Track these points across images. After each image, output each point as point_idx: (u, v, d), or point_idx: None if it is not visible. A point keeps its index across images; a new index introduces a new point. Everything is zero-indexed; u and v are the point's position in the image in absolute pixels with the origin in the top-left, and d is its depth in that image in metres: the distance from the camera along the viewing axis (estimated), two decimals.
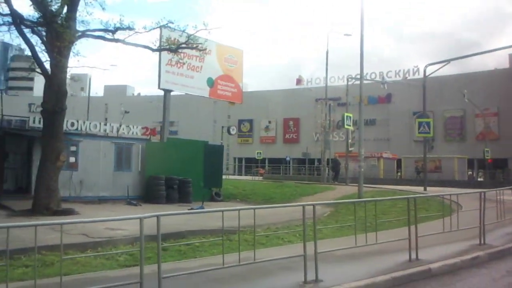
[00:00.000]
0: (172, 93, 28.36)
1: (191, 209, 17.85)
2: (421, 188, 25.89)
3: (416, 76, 55.56)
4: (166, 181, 22.17)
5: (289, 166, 59.20)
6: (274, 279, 7.51)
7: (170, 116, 71.58)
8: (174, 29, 20.68)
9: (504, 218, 11.92)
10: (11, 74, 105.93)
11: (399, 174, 48.21)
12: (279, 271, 7.75)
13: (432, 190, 23.89)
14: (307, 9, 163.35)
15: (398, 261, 8.54)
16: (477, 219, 10.53)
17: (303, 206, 7.48)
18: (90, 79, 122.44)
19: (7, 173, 20.68)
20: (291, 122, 71.55)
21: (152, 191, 21.99)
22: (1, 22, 16.29)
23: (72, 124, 21.64)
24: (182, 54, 27.62)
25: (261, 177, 45.44)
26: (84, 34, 17.40)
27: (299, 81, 71.66)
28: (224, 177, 39.49)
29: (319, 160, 42.14)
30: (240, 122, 75.13)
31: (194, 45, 19.44)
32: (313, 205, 7.62)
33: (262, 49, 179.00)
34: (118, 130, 22.85)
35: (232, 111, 72.27)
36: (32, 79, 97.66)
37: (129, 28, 17.47)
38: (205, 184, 24.25)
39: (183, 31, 19.41)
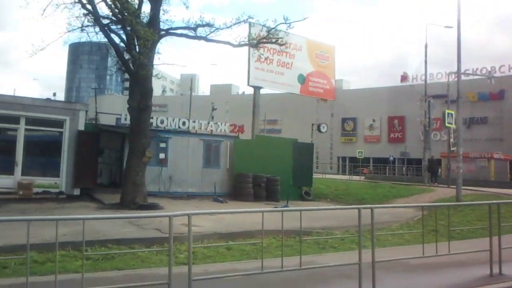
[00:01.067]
0: (274, 92, 28.46)
1: (275, 207, 17.59)
2: None
3: None
4: (254, 178, 21.99)
5: (394, 166, 57.11)
6: (328, 286, 6.96)
7: (273, 115, 73.51)
8: (254, 24, 20.50)
9: None
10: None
11: (510, 176, 44.66)
12: (335, 279, 7.23)
13: None
14: (412, 1, 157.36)
15: (478, 276, 7.60)
16: None
17: (359, 209, 6.89)
18: (198, 79, 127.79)
19: (101, 168, 21.57)
20: (396, 121, 69.10)
21: (239, 188, 21.91)
22: (89, 23, 16.94)
23: (162, 121, 22.19)
24: (271, 51, 27.77)
25: (363, 177, 44.15)
26: (167, 33, 17.72)
27: (404, 77, 68.90)
28: (321, 176, 39.23)
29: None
30: (344, 120, 74.00)
31: (274, 40, 18.97)
32: (371, 208, 6.97)
33: (366, 46, 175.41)
34: (206, 127, 23.02)
35: (335, 109, 71.69)
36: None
37: (208, 25, 17.50)
38: (294, 183, 23.80)
39: (263, 25, 19.09)
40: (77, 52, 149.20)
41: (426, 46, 35.87)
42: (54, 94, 32.14)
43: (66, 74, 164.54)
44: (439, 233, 9.57)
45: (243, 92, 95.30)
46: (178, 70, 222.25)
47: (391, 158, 53.14)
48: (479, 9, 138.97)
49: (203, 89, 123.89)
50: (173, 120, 22.79)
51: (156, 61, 17.49)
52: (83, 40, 18.52)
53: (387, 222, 15.43)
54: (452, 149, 29.01)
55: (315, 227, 13.48)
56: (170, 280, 5.52)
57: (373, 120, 71.60)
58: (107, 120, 25.59)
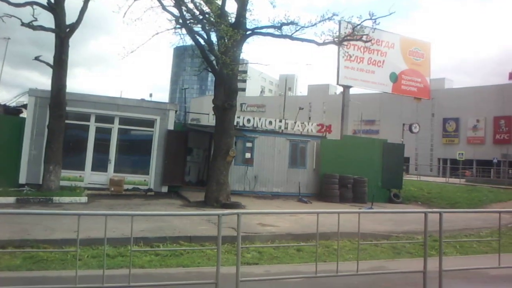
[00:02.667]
0: (369, 92, 27.78)
1: (360, 208, 17.30)
2: None
3: None
4: (340, 179, 21.58)
5: (499, 169, 53.84)
6: None
7: (370, 115, 72.10)
8: (340, 22, 20.11)
9: None
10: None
11: None
12: (400, 287, 6.85)
13: None
14: None
15: None
16: None
17: (425, 213, 6.47)
18: (296, 80, 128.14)
19: (190, 167, 22.19)
20: (502, 121, 64.98)
21: (324, 189, 21.61)
22: (177, 26, 17.48)
23: (248, 121, 22.36)
24: (362, 49, 27.15)
25: (464, 180, 42.08)
26: (253, 32, 17.83)
27: None
28: (415, 178, 37.80)
29: None
30: (445, 121, 70.92)
31: (358, 37, 18.46)
32: (440, 213, 6.52)
33: (473, 44, 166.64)
34: (293, 127, 22.91)
35: (436, 109, 68.91)
36: (244, 80, 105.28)
37: (293, 23, 17.38)
38: (382, 185, 23.09)
39: (349, 22, 18.70)
40: (181, 55, 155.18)
41: None
42: (151, 95, 33.23)
43: (171, 76, 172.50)
44: None
45: (341, 93, 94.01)
46: (278, 71, 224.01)
47: (495, 161, 50.22)
48: None
49: (301, 89, 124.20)
50: (260, 119, 22.89)
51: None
52: (177, 43, 19.18)
53: (478, 228, 14.53)
54: None
55: (396, 231, 13.00)
56: (217, 279, 5.48)
57: (477, 121, 67.85)
58: (206, 120, 26.17)
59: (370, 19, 17.66)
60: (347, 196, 21.41)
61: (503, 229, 14.03)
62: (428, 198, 24.26)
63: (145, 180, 19.54)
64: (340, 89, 40.97)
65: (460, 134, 69.86)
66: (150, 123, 19.98)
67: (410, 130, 34.25)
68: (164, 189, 19.69)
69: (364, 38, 18.67)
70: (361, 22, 17.88)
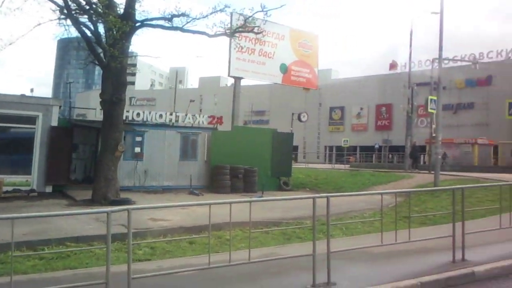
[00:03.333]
0: (259, 83, 28.14)
1: (251, 198, 17.50)
2: None
3: None
4: (231, 170, 21.78)
5: (380, 154, 57.18)
6: (281, 280, 6.81)
7: (261, 106, 73.30)
8: (231, 14, 20.20)
9: None
10: None
11: (494, 160, 44.80)
12: (291, 271, 7.07)
13: None
14: None
15: (439, 263, 7.46)
16: None
17: (314, 198, 6.67)
18: (187, 72, 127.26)
19: (76, 164, 21.32)
20: (383, 109, 69.02)
21: (216, 180, 21.70)
22: (61, 16, 16.60)
23: (138, 115, 21.91)
24: (253, 41, 27.49)
25: (348, 165, 44.10)
26: (142, 24, 17.40)
27: (392, 66, 68.70)
28: (304, 165, 39.07)
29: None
30: (331, 109, 73.95)
31: (250, 29, 18.70)
32: (327, 197, 6.72)
33: (361, 36, 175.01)
34: (184, 120, 22.75)
35: (323, 99, 71.59)
36: (134, 74, 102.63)
37: (184, 15, 17.18)
38: (272, 173, 23.64)
39: (240, 14, 18.91)
40: (65, 47, 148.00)
41: (411, 33, 35.90)
42: (32, 90, 31.56)
43: (54, 70, 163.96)
44: (412, 220, 9.46)
45: (232, 84, 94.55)
46: (169, 64, 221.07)
47: (377, 146, 53.26)
48: None
49: (192, 82, 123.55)
50: (150, 113, 22.50)
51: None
52: (61, 34, 18.25)
53: (361, 210, 15.36)
54: (434, 135, 28.91)
55: (286, 217, 13.37)
56: (108, 279, 5.28)
57: (361, 109, 71.53)
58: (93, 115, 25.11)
59: (262, 11, 17.92)
60: (238, 186, 21.65)
61: (384, 210, 14.88)
62: (316, 184, 25.20)
63: (27, 181, 18.41)
64: (231, 81, 41.30)
65: (345, 122, 73.25)
66: (32, 120, 18.80)
67: (299, 119, 35.27)
68: (49, 189, 18.67)
69: (255, 30, 18.94)
70: (253, 14, 18.11)
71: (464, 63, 49.90)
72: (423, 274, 6.84)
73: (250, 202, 6.56)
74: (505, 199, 9.17)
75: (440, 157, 21.58)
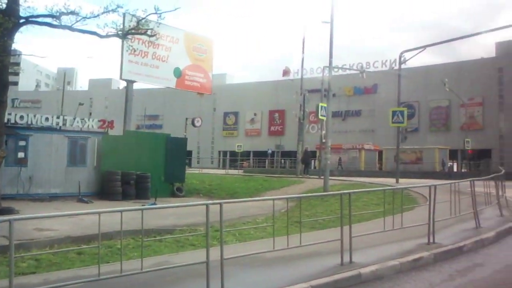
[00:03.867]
0: (153, 87, 27.57)
1: (144, 205, 17.13)
2: (403, 181, 25.06)
3: (403, 66, 54.89)
4: (122, 176, 21.13)
5: (273, 159, 58.34)
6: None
7: (154, 110, 72.06)
8: (124, 14, 19.68)
9: (465, 212, 11.06)
10: None
11: (379, 165, 47.52)
12: (185, 279, 6.86)
13: (405, 182, 23.13)
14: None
15: (329, 265, 7.58)
16: (440, 213, 9.72)
17: (207, 205, 6.49)
18: (76, 73, 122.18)
19: None
20: (276, 114, 70.54)
21: (107, 187, 20.96)
22: None
23: (21, 117, 20.55)
24: (147, 43, 26.90)
25: (242, 171, 44.52)
26: (27, 21, 16.39)
27: (285, 72, 70.17)
28: (198, 171, 38.91)
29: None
30: (225, 115, 74.32)
31: (143, 31, 18.28)
32: (220, 204, 6.59)
33: (254, 42, 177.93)
34: (72, 124, 21.72)
35: (218, 104, 71.81)
36: (17, 74, 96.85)
37: (73, 13, 16.41)
38: (166, 179, 23.27)
39: (133, 15, 18.36)
40: None
41: (303, 41, 36.75)
42: None
43: None
44: (303, 224, 9.64)
45: (124, 87, 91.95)
46: (57, 64, 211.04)
47: (269, 151, 54.21)
48: (357, 5, 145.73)
49: (82, 84, 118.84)
50: (35, 116, 21.20)
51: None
52: None
53: (254, 215, 15.48)
54: (323, 140, 29.98)
55: (180, 224, 13.15)
56: None
57: (255, 114, 72.56)
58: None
59: (155, 13, 17.52)
60: (130, 193, 21.08)
61: (276, 215, 15.14)
62: (209, 190, 25.12)
63: None
64: (123, 84, 40.18)
65: (239, 127, 73.91)
66: None
67: (193, 124, 35.08)
68: None
69: (149, 32, 18.49)
70: (146, 16, 17.66)
71: (352, 72, 52.31)
72: (314, 277, 6.94)
73: (142, 210, 6.32)
74: (388, 203, 9.64)
75: (336, 162, 22.49)
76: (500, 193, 14.34)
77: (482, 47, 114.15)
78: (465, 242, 9.41)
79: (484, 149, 52.67)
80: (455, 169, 51.69)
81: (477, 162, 51.35)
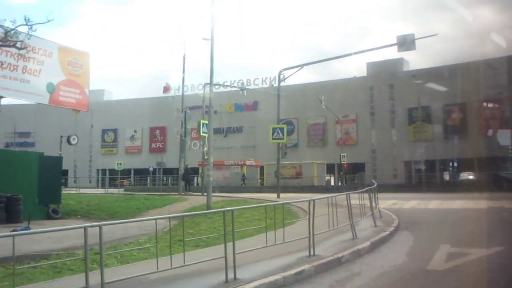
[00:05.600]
0: (24, 103, 25.62)
1: (16, 229, 15.86)
2: (284, 195, 25.59)
3: (283, 84, 56.70)
4: None
5: (155, 177, 57.37)
6: None
7: (25, 127, 68.00)
8: None
9: (342, 224, 11.50)
10: None
11: (260, 181, 48.57)
12: None
13: (286, 197, 23.67)
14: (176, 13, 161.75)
15: (213, 284, 7.48)
16: (319, 226, 9.97)
17: (85, 228, 6.11)
18: None
19: None
20: (157, 131, 69.69)
21: None
22: None
23: None
24: (16, 56, 25.22)
25: (122, 189, 43.25)
26: None
27: (166, 89, 69.70)
28: (75, 191, 37.20)
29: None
30: (104, 132, 72.10)
31: (12, 43, 17.17)
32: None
33: (132, 58, 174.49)
34: None
35: (95, 120, 69.39)
36: None
37: None
38: (40, 201, 21.77)
39: (1, 26, 17.20)
40: None
41: (184, 58, 36.57)
42: None
43: None
44: (186, 243, 9.42)
45: None
46: None
47: (151, 169, 53.38)
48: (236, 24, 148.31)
49: None
50: None
51: None
52: None
53: (136, 236, 14.93)
54: (206, 157, 29.99)
55: (56, 248, 12.32)
56: None
57: (135, 131, 71.16)
58: None
59: (26, 24, 16.57)
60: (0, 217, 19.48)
61: (159, 234, 14.76)
62: (88, 210, 23.97)
63: None
64: None
65: (118, 144, 71.99)
66: None
67: (68, 142, 33.33)
68: None
69: (18, 44, 17.39)
70: (16, 27, 16.62)
71: (233, 89, 53.13)
72: None
73: (13, 236, 5.80)
74: (270, 218, 9.75)
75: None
76: (374, 204, 15.15)
77: (355, 67, 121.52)
78: (343, 253, 9.74)
79: (359, 162, 55.94)
80: (332, 183, 54.17)
81: (352, 175, 54.39)
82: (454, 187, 35.20)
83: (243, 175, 45.60)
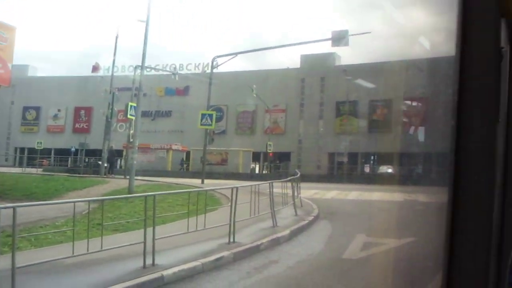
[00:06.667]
0: None
1: None
2: (209, 182, 25.57)
3: (216, 71, 56.37)
4: None
5: (77, 158, 55.63)
6: None
7: None
8: None
9: (264, 212, 11.68)
10: None
11: (186, 166, 48.37)
12: None
13: (211, 183, 23.68)
14: None
15: (131, 269, 7.40)
16: (241, 214, 10.08)
17: None
18: None
19: None
20: (82, 111, 67.43)
21: None
22: None
23: None
24: None
25: (41, 169, 41.69)
26: None
27: (95, 68, 66.97)
28: None
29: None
30: (25, 109, 68.99)
31: None
32: (14, 208, 6.04)
33: (61, 34, 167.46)
34: None
35: (17, 97, 66.11)
36: None
37: None
38: None
39: None
40: None
41: (116, 38, 35.75)
42: None
43: None
44: (105, 227, 9.27)
45: None
46: None
47: (73, 149, 51.77)
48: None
49: None
50: None
51: None
52: None
53: (53, 218, 14.51)
54: (131, 140, 29.44)
55: None
56: None
57: (59, 110, 68.45)
58: None
59: None
60: None
61: (78, 217, 14.36)
62: (2, 190, 23.01)
63: None
64: None
65: (40, 123, 68.99)
66: None
67: None
68: None
69: None
70: None
71: (165, 72, 52.32)
72: (115, 282, 6.75)
73: None
74: (193, 204, 9.76)
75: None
76: (296, 194, 15.48)
77: (289, 58, 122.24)
78: (263, 241, 9.93)
79: (285, 152, 56.70)
80: (257, 171, 54.73)
81: (278, 164, 55.17)
82: (374, 179, 36.55)
83: (182, 159, 45.21)
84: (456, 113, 1.19)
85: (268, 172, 50.50)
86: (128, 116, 25.03)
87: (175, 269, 7.62)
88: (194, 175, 34.65)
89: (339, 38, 23.81)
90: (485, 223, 1.13)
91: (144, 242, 7.64)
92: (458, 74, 1.18)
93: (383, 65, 52.17)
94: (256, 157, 54.95)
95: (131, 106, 24.32)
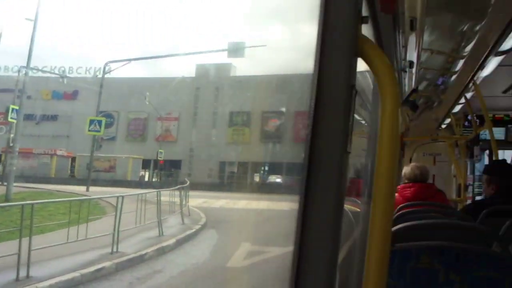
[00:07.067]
0: None
1: None
2: (95, 189, 24.68)
3: (108, 76, 54.76)
4: None
5: None
6: None
7: None
8: None
9: (151, 220, 11.54)
10: None
11: (70, 173, 46.66)
12: None
13: (96, 191, 22.95)
14: None
15: (1, 282, 6.98)
16: (127, 223, 9.86)
17: None
18: None
19: None
20: None
21: None
22: None
23: None
24: None
25: None
26: None
27: None
28: None
29: None
30: None
31: None
32: None
33: None
34: None
35: None
36: None
37: None
38: None
39: None
40: None
41: None
42: None
43: None
44: None
45: None
46: None
47: None
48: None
49: None
50: None
51: None
52: None
53: None
54: (11, 144, 27.87)
55: None
56: None
57: None
58: None
59: None
60: None
61: None
62: None
63: None
64: None
65: None
66: None
67: None
68: None
69: None
70: None
71: (53, 75, 50.11)
72: None
73: None
74: (75, 213, 9.43)
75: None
76: (184, 202, 15.45)
77: (185, 67, 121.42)
78: (147, 250, 9.81)
79: (176, 160, 56.28)
80: (146, 179, 53.92)
81: (168, 172, 54.68)
82: (263, 188, 37.32)
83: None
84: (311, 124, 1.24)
85: (158, 180, 49.92)
86: (9, 119, 23.65)
87: (52, 281, 7.32)
88: (79, 182, 33.36)
89: (235, 49, 24.18)
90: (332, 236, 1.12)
91: (19, 253, 7.26)
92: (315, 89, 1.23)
93: (277, 77, 53.81)
94: (146, 164, 54.09)
95: (12, 109, 23.05)
